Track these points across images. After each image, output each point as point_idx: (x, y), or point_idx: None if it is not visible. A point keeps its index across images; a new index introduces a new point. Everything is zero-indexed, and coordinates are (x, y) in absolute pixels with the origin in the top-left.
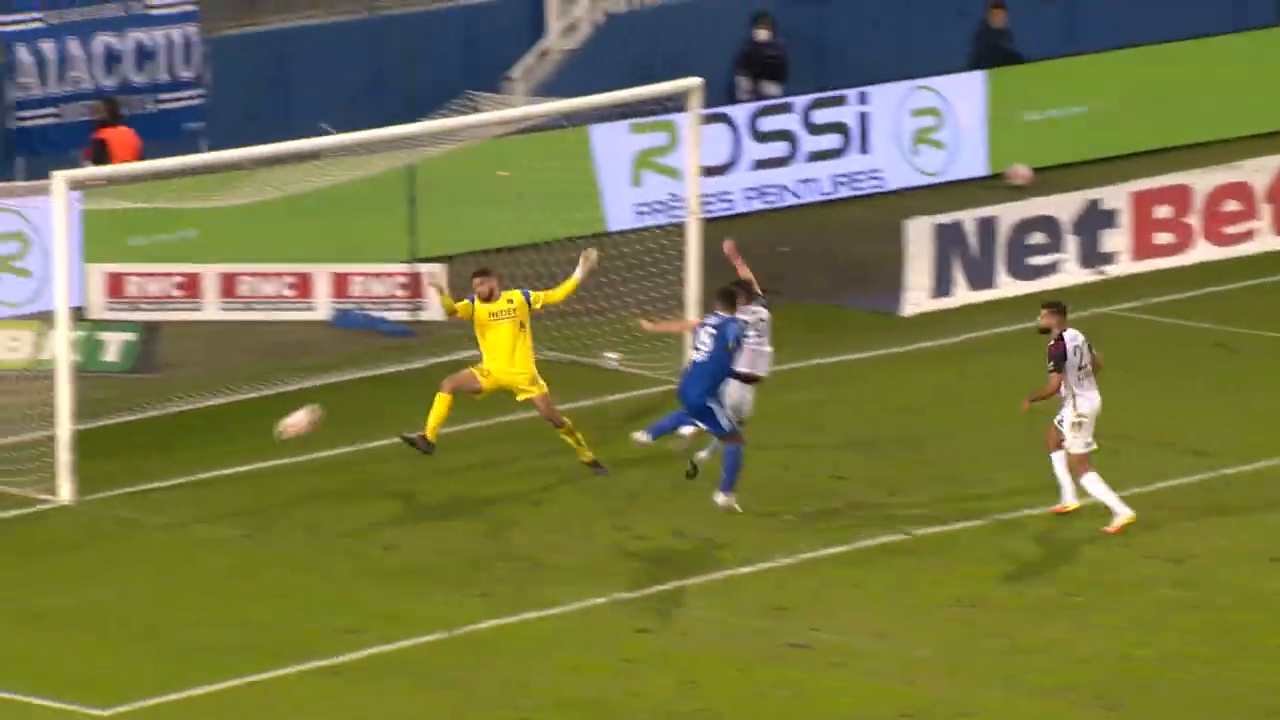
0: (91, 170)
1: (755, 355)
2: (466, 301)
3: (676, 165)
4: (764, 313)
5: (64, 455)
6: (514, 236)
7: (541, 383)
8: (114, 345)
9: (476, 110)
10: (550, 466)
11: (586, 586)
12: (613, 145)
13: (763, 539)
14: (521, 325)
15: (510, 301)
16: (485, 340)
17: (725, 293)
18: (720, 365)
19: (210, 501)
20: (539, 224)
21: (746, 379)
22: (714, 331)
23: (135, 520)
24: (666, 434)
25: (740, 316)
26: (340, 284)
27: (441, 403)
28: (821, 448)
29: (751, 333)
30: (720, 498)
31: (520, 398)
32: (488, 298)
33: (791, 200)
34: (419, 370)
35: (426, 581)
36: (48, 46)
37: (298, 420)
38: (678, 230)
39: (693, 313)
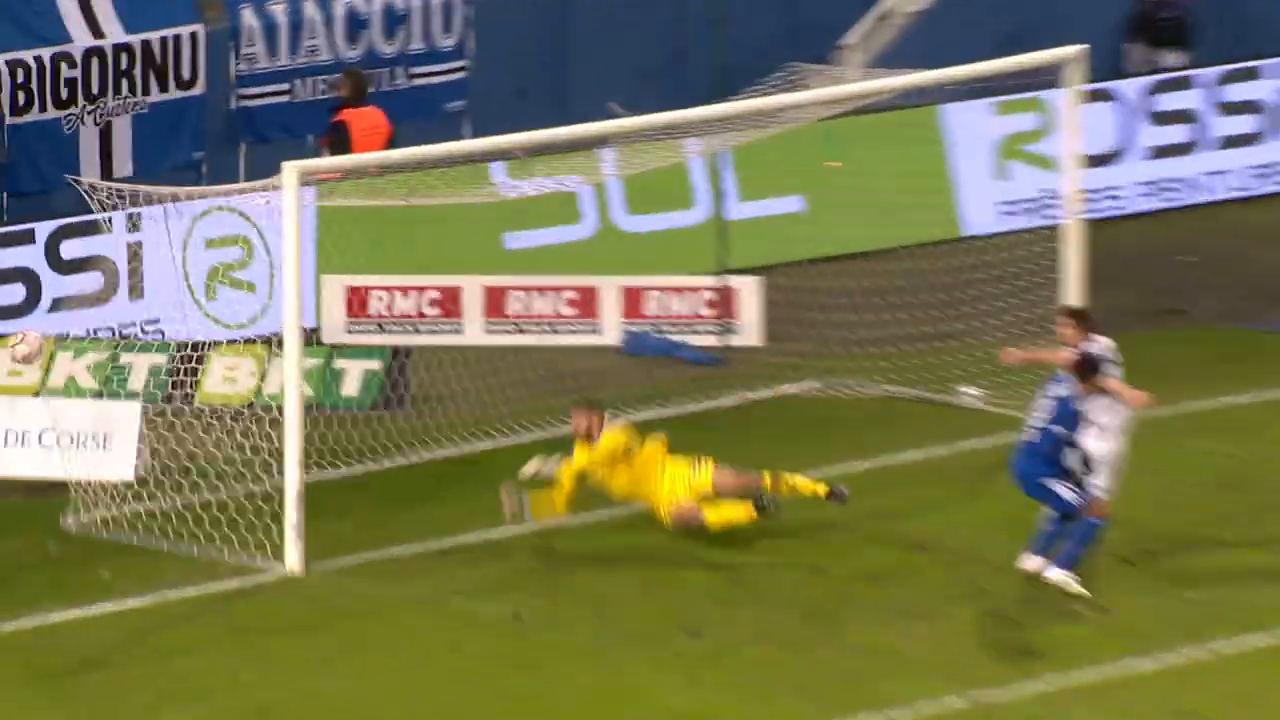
0: (330, 160)
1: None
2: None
3: (1051, 153)
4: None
5: (292, 514)
6: (843, 243)
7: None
8: (354, 376)
9: (801, 86)
10: (885, 532)
11: (937, 682)
12: (970, 129)
13: (1158, 622)
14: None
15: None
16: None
17: (1081, 362)
18: (1054, 445)
19: (471, 571)
20: (876, 228)
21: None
22: (1054, 405)
23: (378, 595)
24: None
25: (1081, 396)
26: (632, 301)
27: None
28: (1235, 512)
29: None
30: (1054, 572)
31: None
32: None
33: (1196, 197)
34: (730, 410)
35: (739, 674)
36: (278, 9)
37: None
38: (1051, 234)
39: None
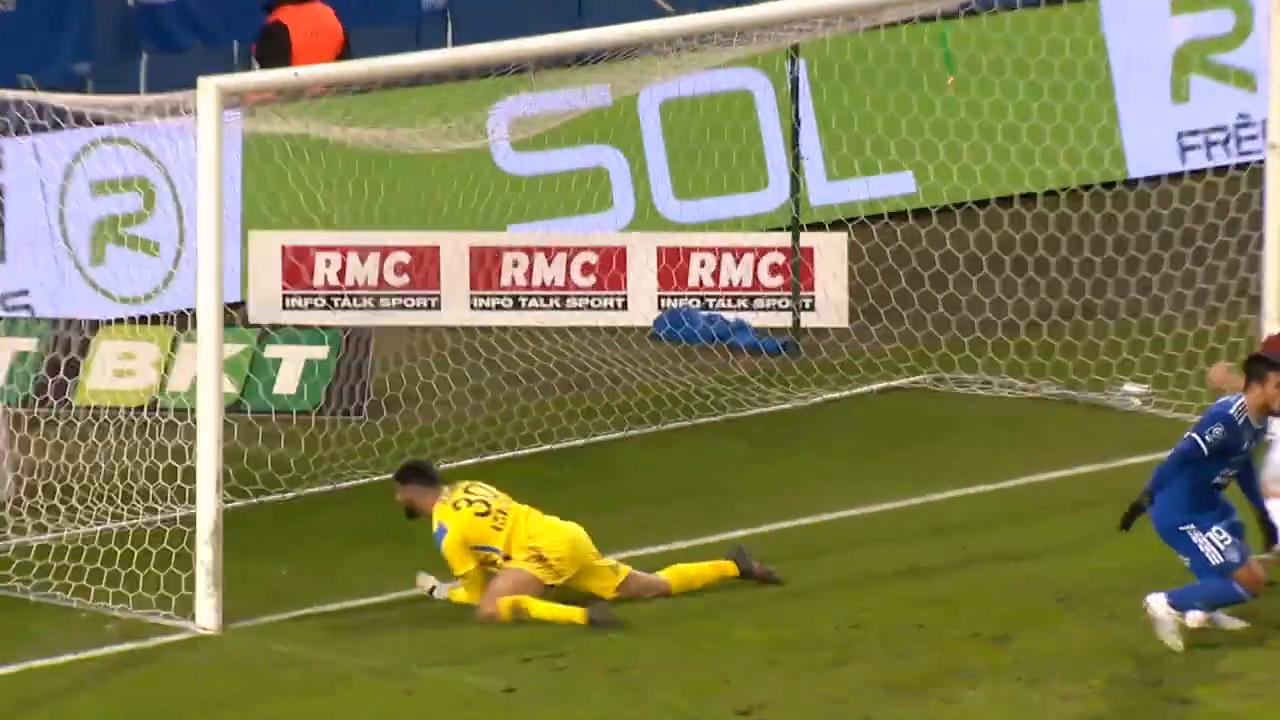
0: (262, 75)
1: None
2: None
3: (1251, 66)
4: None
5: (206, 555)
6: (961, 189)
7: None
8: (293, 368)
9: None
10: (1015, 578)
11: None
12: (1138, 33)
13: None
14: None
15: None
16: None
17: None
18: (1191, 474)
19: (445, 631)
20: (1007, 169)
21: None
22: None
23: (321, 663)
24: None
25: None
26: (672, 265)
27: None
28: None
29: None
30: (1158, 604)
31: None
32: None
33: None
34: (803, 411)
35: None
36: None
37: None
38: (1250, 176)
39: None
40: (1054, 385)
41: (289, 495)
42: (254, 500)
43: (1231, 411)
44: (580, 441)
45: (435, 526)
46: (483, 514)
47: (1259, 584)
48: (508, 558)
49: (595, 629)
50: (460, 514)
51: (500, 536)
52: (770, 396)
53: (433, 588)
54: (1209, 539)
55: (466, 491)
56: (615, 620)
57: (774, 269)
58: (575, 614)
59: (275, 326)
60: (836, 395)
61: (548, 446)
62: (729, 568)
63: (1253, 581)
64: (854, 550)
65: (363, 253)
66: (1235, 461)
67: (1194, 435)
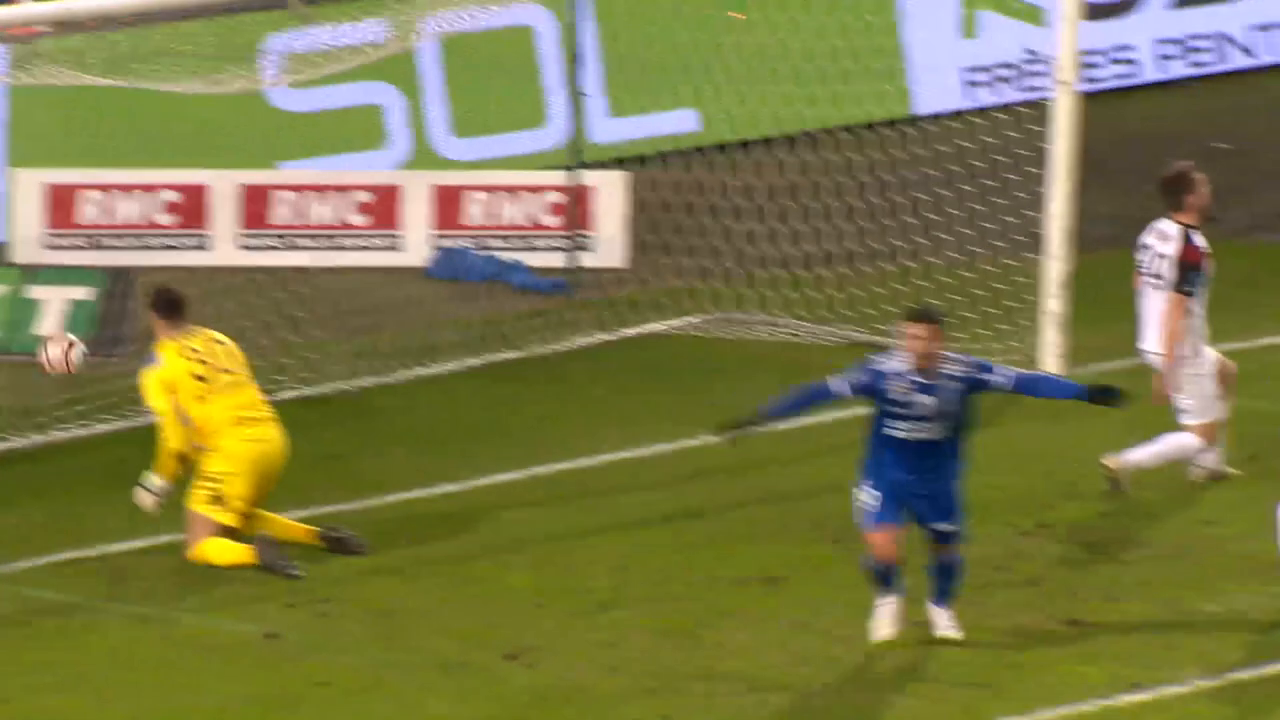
0: (28, 8)
1: None
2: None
3: (1039, 1)
4: None
5: None
6: (742, 126)
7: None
8: (55, 309)
9: None
10: (797, 518)
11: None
12: None
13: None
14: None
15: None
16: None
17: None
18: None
19: (207, 576)
20: (790, 105)
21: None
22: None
23: (77, 608)
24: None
25: None
26: (447, 205)
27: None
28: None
29: None
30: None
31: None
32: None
33: (1239, 61)
34: (579, 352)
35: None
36: None
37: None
38: (1036, 113)
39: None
40: (833, 328)
41: (46, 439)
42: (9, 443)
43: (877, 363)
44: (346, 385)
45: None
46: (197, 377)
47: (887, 554)
48: (199, 448)
49: (266, 570)
50: (178, 363)
51: (200, 411)
52: (545, 337)
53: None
54: (859, 494)
55: (200, 348)
56: (284, 562)
57: (553, 208)
58: (245, 554)
59: (37, 267)
60: (612, 336)
61: (314, 390)
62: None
63: (879, 550)
64: (625, 493)
65: (129, 190)
66: (905, 417)
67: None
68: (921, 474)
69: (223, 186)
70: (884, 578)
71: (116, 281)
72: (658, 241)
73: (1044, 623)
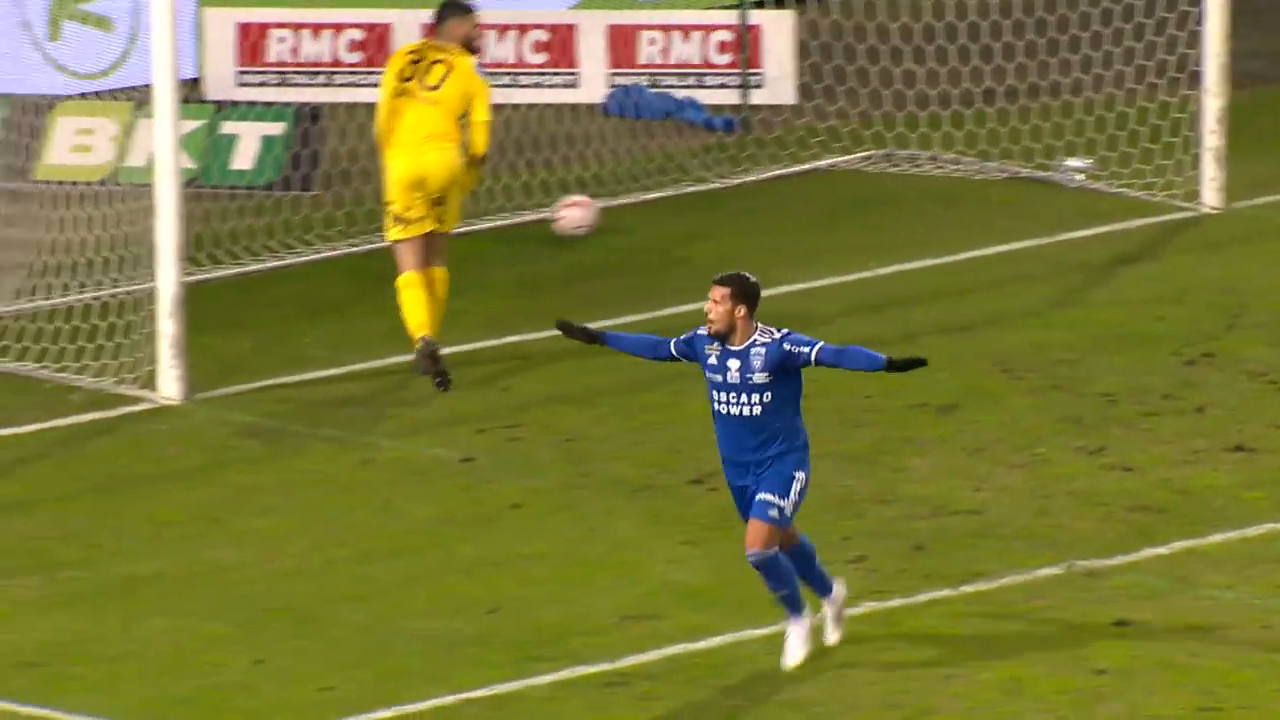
0: None
1: None
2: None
3: None
4: None
5: (167, 327)
6: None
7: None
8: (248, 144)
9: None
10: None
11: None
12: None
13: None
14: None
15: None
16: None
17: None
18: None
19: (403, 403)
20: None
21: None
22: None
23: (281, 433)
24: None
25: None
26: (622, 44)
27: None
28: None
29: None
30: None
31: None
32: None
33: None
34: (750, 187)
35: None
36: None
37: (573, 215)
38: None
39: None
40: (998, 162)
41: (247, 269)
42: (213, 274)
43: (702, 326)
44: (531, 216)
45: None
46: (403, 79)
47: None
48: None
49: (417, 370)
50: (397, 59)
51: (386, 110)
52: (718, 173)
53: None
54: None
55: (424, 58)
56: (436, 368)
57: (723, 46)
58: (416, 329)
59: (229, 104)
60: (783, 171)
61: (503, 221)
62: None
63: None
64: (799, 325)
65: (316, 30)
66: (720, 387)
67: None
68: (743, 452)
69: (406, 25)
70: (771, 582)
71: (304, 118)
72: (823, 83)
73: (1211, 449)
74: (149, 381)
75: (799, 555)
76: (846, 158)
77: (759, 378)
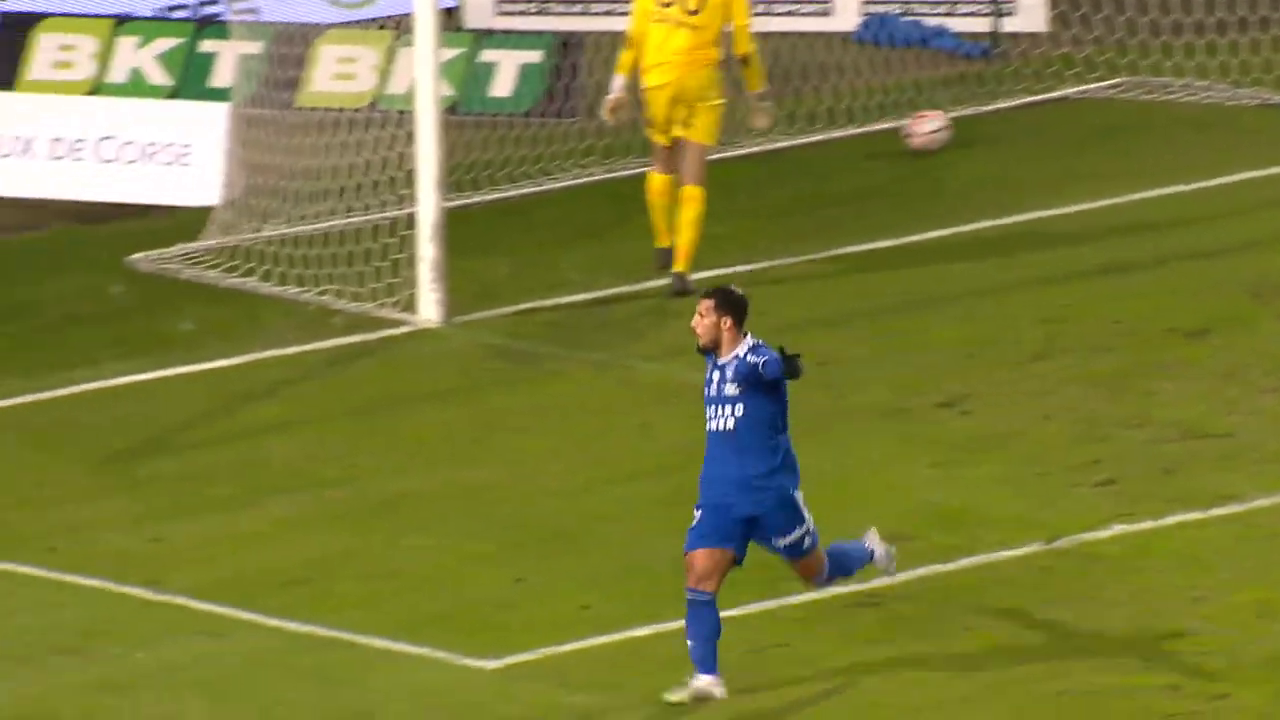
0: None
1: None
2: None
3: None
4: None
5: (427, 251)
6: None
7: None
8: (508, 71)
9: None
10: (1216, 273)
11: None
12: None
13: None
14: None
15: None
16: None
17: None
18: None
19: (661, 327)
20: None
21: None
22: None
23: (539, 356)
24: None
25: None
26: None
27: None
28: None
29: None
30: None
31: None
32: None
33: None
34: (1002, 114)
35: (1008, 464)
36: None
37: (926, 129)
38: None
39: None
40: (1248, 88)
41: (506, 194)
42: (472, 199)
43: None
44: (785, 143)
45: None
46: (663, 3)
47: (697, 576)
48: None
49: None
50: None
51: (639, 30)
52: (969, 99)
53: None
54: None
55: None
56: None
57: None
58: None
59: (489, 32)
60: (1034, 98)
61: (755, 148)
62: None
63: (690, 570)
64: (1051, 249)
65: None
66: (707, 403)
67: None
68: (723, 467)
69: None
70: (695, 618)
71: (565, 46)
72: (1075, 11)
73: None
74: (409, 305)
75: (834, 564)
76: (1096, 85)
77: (730, 389)
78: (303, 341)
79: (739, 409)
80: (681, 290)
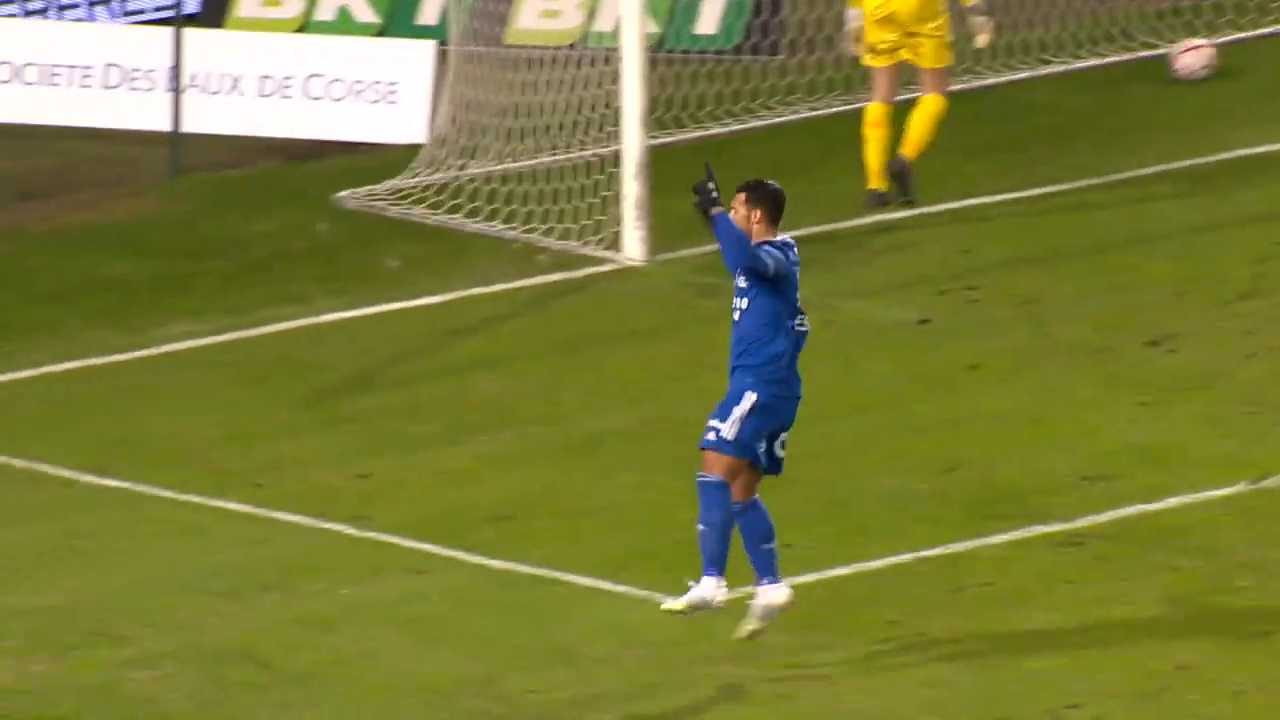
0: None
1: None
2: None
3: None
4: None
5: (632, 189)
6: None
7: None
8: (712, 9)
9: None
10: None
11: None
12: None
13: None
14: None
15: None
16: None
17: None
18: None
19: (865, 265)
20: None
21: None
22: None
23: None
24: None
25: None
26: None
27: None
28: None
29: None
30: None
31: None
32: None
33: None
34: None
35: (1211, 404)
36: None
37: (1194, 58)
38: None
39: None
40: None
41: (710, 132)
42: (676, 136)
43: None
44: (991, 80)
45: None
46: None
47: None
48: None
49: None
50: None
51: None
52: (1182, 37)
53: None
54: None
55: None
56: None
57: None
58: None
59: None
60: (1243, 35)
61: (959, 85)
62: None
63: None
64: (1262, 188)
65: None
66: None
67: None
68: (732, 357)
69: None
70: (703, 511)
71: None
72: None
73: None
74: (613, 242)
75: (750, 523)
76: None
77: (740, 280)
78: (508, 279)
79: (744, 301)
80: (899, 172)
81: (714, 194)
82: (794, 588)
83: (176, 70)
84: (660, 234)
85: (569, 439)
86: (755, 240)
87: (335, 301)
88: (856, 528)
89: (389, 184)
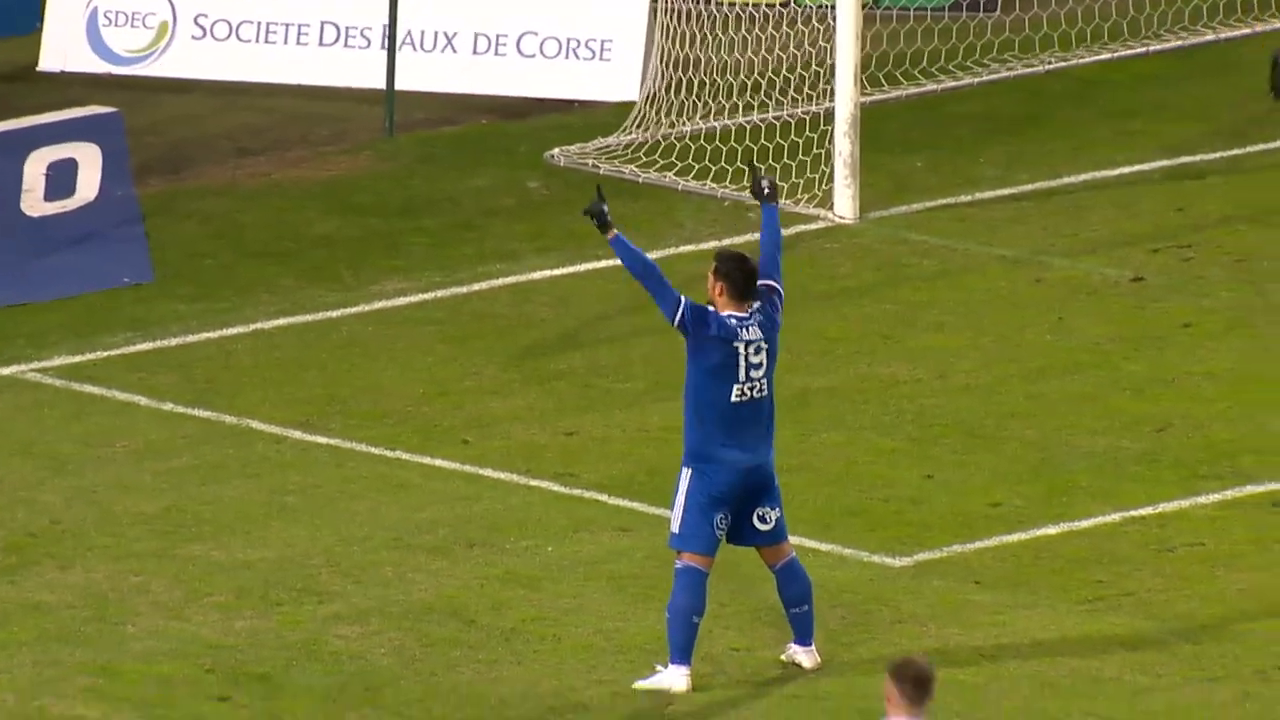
0: None
1: None
2: None
3: None
4: None
5: (844, 147)
6: None
7: None
8: None
9: None
10: None
11: None
12: None
13: None
14: None
15: None
16: None
17: None
18: None
19: (1077, 221)
20: None
21: None
22: None
23: (951, 252)
24: None
25: None
26: None
27: None
28: None
29: None
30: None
31: None
32: None
33: None
34: None
35: None
36: None
37: None
38: None
39: None
40: None
41: (922, 89)
42: (889, 94)
43: None
44: (1209, 37)
45: None
46: None
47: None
48: None
49: None
50: None
51: None
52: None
53: None
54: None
55: None
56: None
57: None
58: None
59: None
60: None
61: (1165, 45)
62: None
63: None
64: None
65: None
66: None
67: None
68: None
69: None
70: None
71: None
72: None
73: None
74: (824, 200)
75: (780, 587)
76: None
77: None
78: (717, 236)
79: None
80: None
81: (607, 217)
82: (1001, 546)
83: (391, 28)
84: (871, 192)
85: (776, 397)
86: (720, 311)
87: (544, 259)
88: (1065, 486)
89: (599, 142)
